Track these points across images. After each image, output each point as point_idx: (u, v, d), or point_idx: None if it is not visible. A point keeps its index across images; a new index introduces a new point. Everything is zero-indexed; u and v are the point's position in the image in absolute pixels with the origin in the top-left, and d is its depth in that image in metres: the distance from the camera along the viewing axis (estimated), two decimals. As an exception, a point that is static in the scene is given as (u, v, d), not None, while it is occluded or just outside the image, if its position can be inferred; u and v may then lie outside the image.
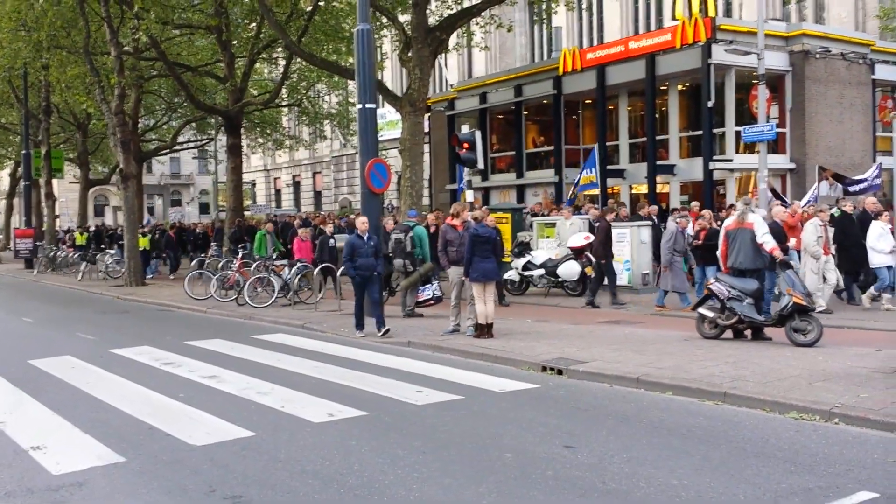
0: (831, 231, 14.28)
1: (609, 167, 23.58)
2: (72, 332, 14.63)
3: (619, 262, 17.93)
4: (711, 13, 22.85)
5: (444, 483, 5.79)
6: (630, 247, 17.48)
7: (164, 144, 40.83)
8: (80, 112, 34.61)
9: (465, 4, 23.50)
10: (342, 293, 17.24)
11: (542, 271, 17.63)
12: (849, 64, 24.68)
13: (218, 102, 32.45)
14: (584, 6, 40.22)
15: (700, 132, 23.45)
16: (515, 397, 8.57)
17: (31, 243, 34.30)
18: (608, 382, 9.11)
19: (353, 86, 27.55)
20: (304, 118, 38.20)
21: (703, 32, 21.94)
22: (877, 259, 13.57)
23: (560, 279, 17.37)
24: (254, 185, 65.64)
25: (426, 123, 24.66)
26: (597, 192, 23.77)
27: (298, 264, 17.86)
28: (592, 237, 18.01)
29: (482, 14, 22.75)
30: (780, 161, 23.68)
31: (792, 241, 13.98)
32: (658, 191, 24.74)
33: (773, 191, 21.35)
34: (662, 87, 25.07)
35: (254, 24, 27.45)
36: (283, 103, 34.68)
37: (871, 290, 13.82)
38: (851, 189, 19.99)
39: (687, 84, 24.93)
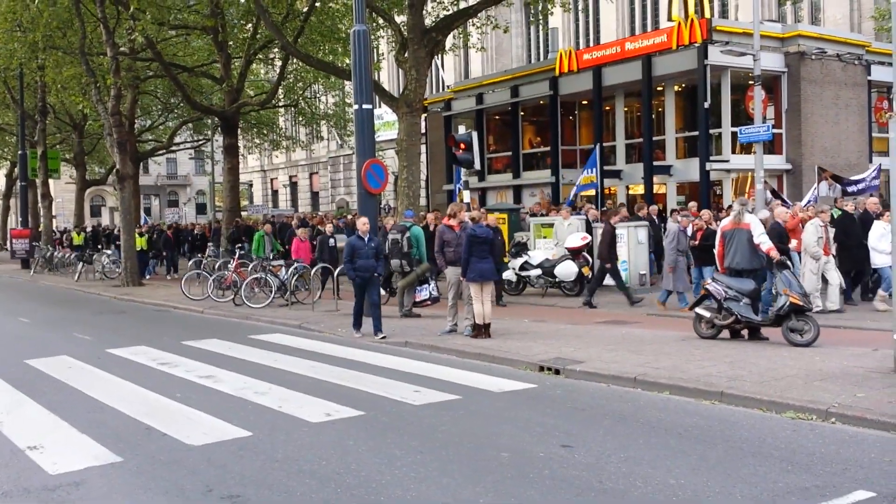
0: (832, 231, 14.28)
1: (606, 168, 23.58)
2: (68, 333, 14.62)
3: (617, 263, 17.94)
4: (707, 14, 22.89)
5: (442, 483, 5.79)
6: (627, 247, 17.48)
7: (160, 145, 40.83)
8: (76, 113, 34.59)
9: (462, 5, 23.51)
10: (340, 293, 17.25)
11: (539, 271, 17.64)
12: (844, 65, 24.73)
13: (214, 103, 32.45)
14: (580, 7, 40.28)
15: (696, 133, 23.48)
16: (513, 397, 8.58)
17: (28, 244, 34.25)
18: (605, 382, 9.12)
19: (349, 86, 27.53)
20: (300, 119, 38.20)
21: (699, 33, 21.98)
22: (879, 259, 13.58)
23: (557, 279, 17.38)
24: (250, 185, 65.63)
25: (423, 124, 24.71)
26: (593, 192, 23.77)
27: (295, 264, 17.85)
28: (589, 237, 18.04)
29: (478, 15, 22.76)
30: (777, 162, 23.72)
31: (793, 243, 14.00)
32: (654, 191, 24.76)
33: (774, 192, 21.39)
34: (659, 88, 25.10)
35: (250, 25, 27.43)
36: (280, 104, 34.68)
37: (880, 291, 13.81)
38: (850, 189, 20.02)
39: (683, 85, 24.97)
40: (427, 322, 13.99)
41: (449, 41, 24.96)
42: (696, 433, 6.97)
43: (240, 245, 22.51)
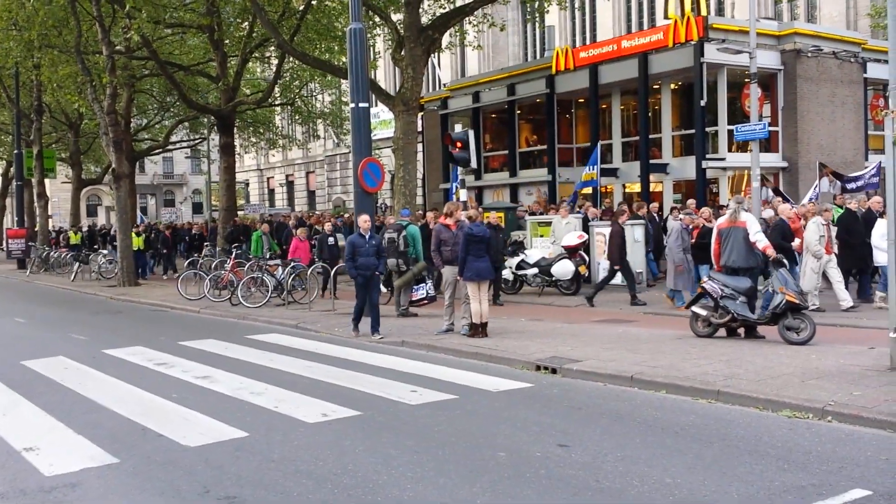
0: (833, 230, 14.26)
1: (602, 166, 23.57)
2: (65, 333, 14.59)
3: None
4: (704, 12, 22.88)
5: (439, 482, 5.79)
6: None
7: (156, 144, 40.75)
8: (71, 112, 34.51)
9: (458, 3, 23.49)
10: (336, 293, 17.25)
11: (535, 270, 17.65)
12: (840, 62, 24.73)
13: (210, 102, 32.39)
14: (576, 5, 40.25)
15: (693, 131, 23.48)
16: (509, 396, 8.58)
17: (24, 244, 34.19)
18: (602, 381, 9.13)
19: (345, 85, 27.48)
20: (297, 117, 38.21)
21: (695, 31, 21.97)
22: (882, 258, 13.57)
23: (554, 278, 17.38)
24: (247, 184, 65.58)
25: (419, 122, 24.66)
26: (590, 190, 23.78)
27: (292, 264, 17.84)
28: (586, 236, 18.06)
29: (475, 13, 22.74)
30: (773, 159, 23.73)
31: (796, 242, 14.00)
32: (651, 190, 24.76)
33: (776, 190, 21.41)
34: (655, 86, 25.10)
35: (246, 23, 27.39)
36: (276, 102, 34.61)
37: (878, 291, 13.80)
38: (849, 186, 20.04)
39: (679, 83, 24.96)
40: (424, 321, 13.99)
41: (445, 39, 24.95)
42: (693, 432, 6.98)
43: (236, 245, 22.49)
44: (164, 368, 10.61)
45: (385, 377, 9.62)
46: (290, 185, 62.37)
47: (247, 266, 18.45)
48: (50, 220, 40.46)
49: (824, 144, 24.27)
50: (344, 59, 24.50)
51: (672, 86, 25.13)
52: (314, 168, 58.80)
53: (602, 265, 18.27)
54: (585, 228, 18.72)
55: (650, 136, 24.84)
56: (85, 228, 36.79)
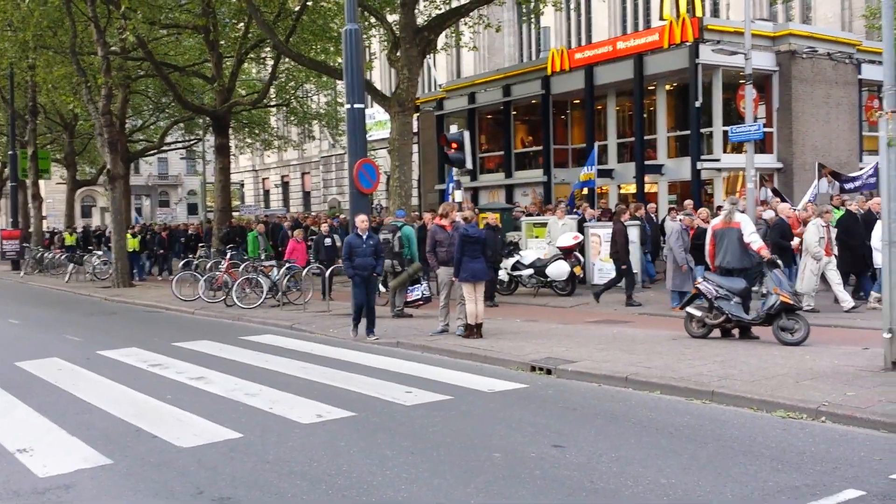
0: (833, 232, 14.25)
1: (598, 167, 23.60)
2: (59, 334, 14.56)
3: (607, 262, 17.96)
4: (699, 13, 22.92)
5: (433, 483, 5.79)
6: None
7: (151, 145, 40.65)
8: (66, 112, 34.43)
9: (454, 4, 23.49)
10: (331, 294, 17.22)
11: (531, 271, 17.65)
12: (835, 64, 24.80)
13: (206, 102, 32.33)
14: (572, 6, 40.28)
15: (688, 132, 23.52)
16: (504, 397, 8.58)
17: (18, 244, 34.11)
18: (597, 382, 9.13)
19: (341, 86, 27.49)
20: (292, 118, 38.11)
21: (690, 32, 22.00)
22: (881, 259, 13.58)
23: (549, 279, 17.39)
24: (242, 185, 65.46)
25: (415, 123, 24.63)
26: (585, 191, 23.80)
27: (287, 265, 17.81)
28: (581, 237, 18.07)
29: (470, 14, 22.75)
30: (768, 160, 23.78)
31: (794, 241, 14.00)
32: (646, 191, 24.79)
33: (775, 190, 21.45)
34: (650, 87, 25.13)
35: (241, 24, 27.35)
36: (272, 103, 34.58)
37: (874, 292, 13.81)
38: (847, 186, 20.09)
39: (674, 84, 25.00)
40: (419, 322, 13.98)
41: (441, 40, 24.96)
42: (687, 432, 6.99)
43: (231, 245, 22.44)
44: (159, 369, 10.59)
45: (380, 378, 9.61)
46: (285, 186, 62.30)
47: (241, 267, 18.42)
48: (44, 221, 40.31)
49: (819, 145, 24.32)
50: (339, 60, 24.46)
51: (667, 87, 25.17)
52: (309, 169, 58.74)
53: (597, 266, 18.30)
54: (581, 230, 18.73)
55: (645, 137, 24.88)
56: (80, 229, 36.67)
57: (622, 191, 26.45)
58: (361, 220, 12.96)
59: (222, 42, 27.27)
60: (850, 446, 6.45)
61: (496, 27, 26.66)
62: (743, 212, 12.83)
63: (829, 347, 10.19)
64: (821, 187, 20.06)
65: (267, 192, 65.03)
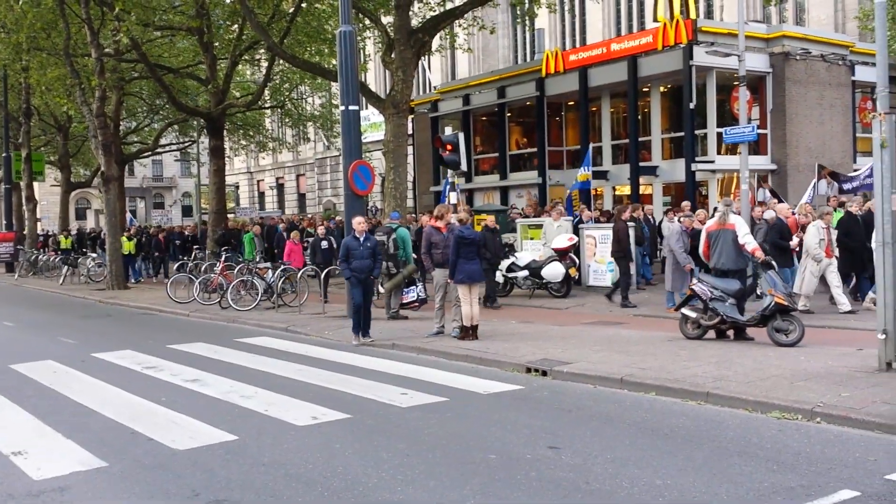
0: (834, 233, 14.24)
1: (592, 169, 23.62)
2: (53, 337, 14.52)
3: (602, 264, 17.99)
4: (692, 15, 22.95)
5: (429, 485, 5.79)
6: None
7: (146, 147, 40.57)
8: (60, 114, 34.38)
9: (448, 6, 23.51)
10: (327, 296, 17.20)
11: (526, 273, 17.66)
12: (829, 65, 24.86)
13: (200, 104, 32.28)
14: (566, 8, 40.34)
15: (682, 133, 23.55)
16: (499, 399, 8.58)
17: (12, 247, 34.02)
18: (592, 383, 9.14)
19: (336, 88, 27.49)
20: (287, 120, 38.12)
21: (684, 34, 22.03)
22: None
23: (544, 280, 17.40)
24: (237, 187, 65.40)
25: (410, 125, 24.68)
26: (576, 192, 23.79)
27: (282, 267, 17.80)
28: (576, 238, 18.08)
29: (465, 16, 22.76)
30: (762, 162, 23.82)
31: (794, 240, 14.01)
32: (641, 192, 24.82)
33: (773, 191, 21.51)
34: (644, 89, 25.17)
35: (236, 26, 27.30)
36: (266, 105, 34.56)
37: (870, 293, 13.81)
38: (846, 187, 20.12)
39: (668, 86, 25.04)
40: (414, 324, 13.97)
41: (435, 42, 24.94)
42: (683, 433, 6.99)
43: (226, 248, 22.41)
44: (154, 372, 10.57)
45: (375, 380, 9.61)
46: (280, 187, 62.26)
47: (236, 269, 18.40)
48: (39, 224, 40.24)
49: (813, 147, 24.38)
50: (334, 62, 24.45)
51: (661, 88, 25.21)
52: (304, 171, 58.71)
53: (592, 267, 18.31)
54: (576, 231, 18.74)
55: (640, 139, 24.91)
56: (74, 232, 36.59)
57: (617, 192, 26.48)
58: (359, 223, 12.88)
59: (216, 44, 27.22)
60: (845, 447, 6.46)
61: (490, 29, 26.66)
62: (737, 213, 12.83)
63: (824, 348, 10.22)
64: (820, 188, 20.08)
65: (262, 194, 64.97)
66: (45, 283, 28.09)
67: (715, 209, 18.15)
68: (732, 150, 21.81)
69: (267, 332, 14.46)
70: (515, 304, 16.92)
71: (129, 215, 38.71)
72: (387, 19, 22.41)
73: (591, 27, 41.44)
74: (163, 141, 41.01)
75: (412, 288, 15.12)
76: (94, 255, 28.21)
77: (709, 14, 35.36)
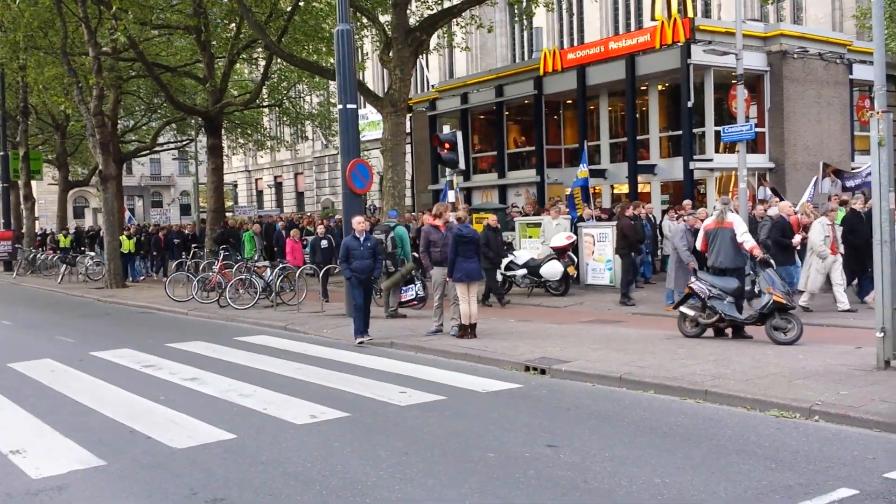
0: (839, 231, 14.22)
1: (590, 167, 23.61)
2: (51, 335, 14.51)
3: (601, 262, 18.01)
4: (690, 14, 22.95)
5: (427, 484, 5.79)
6: (611, 246, 17.53)
7: (143, 145, 40.54)
8: (58, 113, 34.33)
9: (446, 5, 23.49)
10: (326, 295, 17.20)
11: (524, 271, 17.66)
12: (826, 64, 24.86)
13: (198, 103, 32.25)
14: (564, 7, 40.32)
15: (680, 132, 23.54)
16: (498, 397, 8.58)
17: (10, 246, 33.99)
18: (590, 382, 9.14)
19: (333, 86, 27.44)
20: (285, 119, 38.08)
21: (682, 33, 22.03)
22: None
23: (542, 279, 17.41)
24: (235, 186, 65.38)
25: (408, 124, 24.64)
26: (577, 190, 23.79)
27: (281, 265, 17.79)
28: (574, 237, 18.09)
29: (463, 14, 22.74)
30: (760, 160, 23.83)
31: (796, 238, 14.02)
32: (639, 191, 24.82)
33: (774, 189, 21.51)
34: (642, 88, 25.15)
35: (233, 25, 27.30)
36: (264, 104, 34.53)
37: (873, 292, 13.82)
38: (849, 185, 20.10)
39: (666, 84, 25.03)
40: (413, 322, 13.97)
41: (433, 41, 24.95)
42: (681, 432, 7.00)
43: (225, 246, 22.40)
44: (152, 370, 10.56)
45: (374, 378, 9.61)
46: (278, 186, 62.25)
47: (235, 268, 18.39)
48: (37, 222, 40.18)
49: (811, 145, 24.39)
50: (332, 61, 24.47)
51: (659, 87, 25.20)
52: (302, 169, 58.70)
53: (590, 266, 18.32)
54: (574, 230, 18.75)
55: (638, 138, 24.90)
56: (72, 230, 36.55)
57: (615, 191, 26.48)
58: (359, 222, 12.76)
59: (214, 42, 27.20)
60: (844, 445, 6.47)
61: (488, 28, 26.64)
62: (735, 211, 12.83)
63: (823, 347, 10.23)
64: (823, 186, 20.05)
65: (260, 193, 64.97)
66: (44, 281, 28.06)
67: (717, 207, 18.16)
68: (730, 148, 21.83)
69: (266, 330, 14.46)
70: (514, 303, 16.91)
71: (127, 214, 38.66)
72: (384, 18, 22.40)
73: (588, 26, 41.46)
74: (161, 139, 40.99)
75: (411, 286, 15.12)
76: (93, 253, 28.19)
77: (706, 13, 35.38)
